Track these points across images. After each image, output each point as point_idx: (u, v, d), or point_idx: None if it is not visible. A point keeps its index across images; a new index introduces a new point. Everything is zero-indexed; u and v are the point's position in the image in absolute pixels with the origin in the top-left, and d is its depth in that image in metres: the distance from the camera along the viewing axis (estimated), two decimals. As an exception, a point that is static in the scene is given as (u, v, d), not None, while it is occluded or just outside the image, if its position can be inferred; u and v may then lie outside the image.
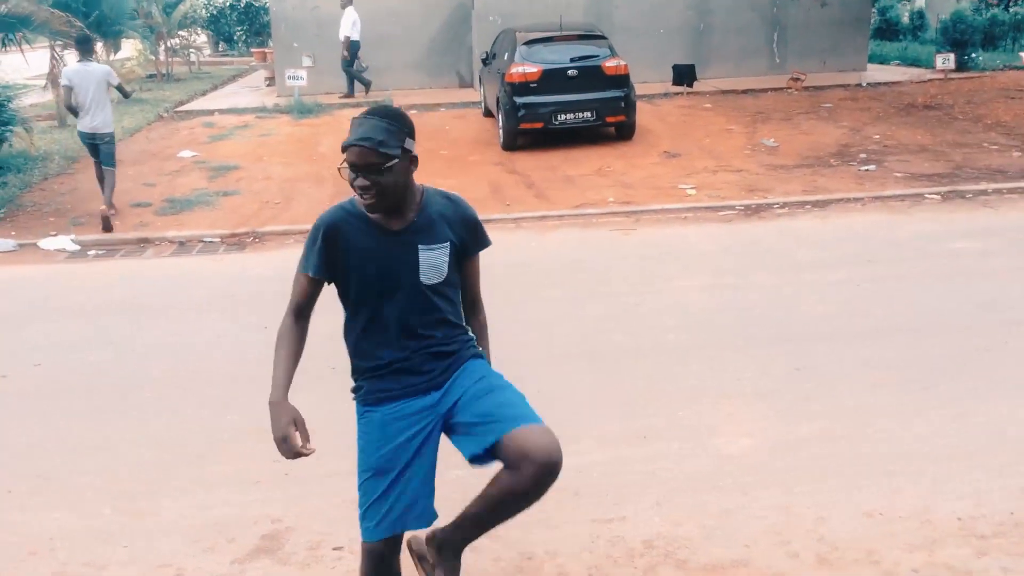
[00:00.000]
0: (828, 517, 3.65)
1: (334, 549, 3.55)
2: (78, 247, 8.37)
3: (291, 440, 2.47)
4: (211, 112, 15.87)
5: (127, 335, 6.08)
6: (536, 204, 9.56)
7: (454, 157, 11.86)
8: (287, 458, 2.50)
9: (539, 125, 11.89)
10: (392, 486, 2.56)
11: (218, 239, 8.57)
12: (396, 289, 2.60)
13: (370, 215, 2.55)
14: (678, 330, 5.79)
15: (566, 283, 6.93)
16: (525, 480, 2.47)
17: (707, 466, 4.12)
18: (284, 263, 7.76)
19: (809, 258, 7.30)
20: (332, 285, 2.69)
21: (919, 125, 12.55)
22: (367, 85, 16.71)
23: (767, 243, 7.82)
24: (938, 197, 9.08)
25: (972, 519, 3.58)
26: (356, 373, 2.73)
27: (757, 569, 3.34)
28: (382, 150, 2.44)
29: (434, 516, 2.65)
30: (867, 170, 10.27)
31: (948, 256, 7.15)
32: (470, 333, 2.84)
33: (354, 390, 2.75)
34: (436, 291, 2.65)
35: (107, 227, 8.83)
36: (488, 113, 14.08)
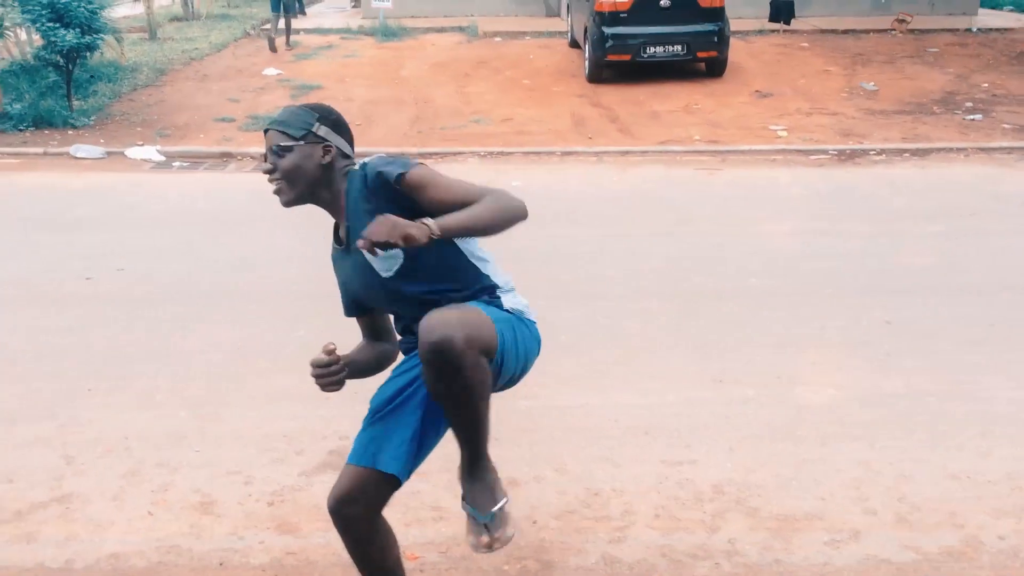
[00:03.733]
0: (911, 476, 3.48)
1: (399, 469, 3.53)
2: (163, 158, 8.48)
3: None
4: (297, 32, 15.82)
5: (206, 246, 6.15)
6: (619, 139, 9.32)
7: (536, 87, 11.62)
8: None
9: (626, 57, 11.53)
10: (372, 421, 2.37)
11: (299, 157, 8.58)
12: (377, 301, 2.39)
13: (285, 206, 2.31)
14: (762, 274, 5.58)
15: (647, 220, 6.74)
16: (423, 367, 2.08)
17: (786, 415, 3.97)
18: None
19: (906, 208, 6.95)
20: None
21: (1033, 75, 11.79)
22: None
23: (861, 190, 7.47)
24: (1049, 152, 8.54)
25: (1069, 489, 3.38)
26: None
27: (832, 523, 3.20)
28: (284, 130, 2.27)
29: (403, 472, 2.30)
30: (972, 119, 9.70)
31: (1057, 214, 6.72)
32: (494, 290, 2.33)
33: None
34: (412, 275, 2.24)
35: (272, 48, 13.84)
36: (574, 44, 13.72)
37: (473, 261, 2.30)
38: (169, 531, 3.17)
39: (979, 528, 3.17)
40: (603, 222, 6.50)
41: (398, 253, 2.18)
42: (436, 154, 8.62)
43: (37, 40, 10.44)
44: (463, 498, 2.26)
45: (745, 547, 3.11)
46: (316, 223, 6.58)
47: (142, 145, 8.76)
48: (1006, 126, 9.44)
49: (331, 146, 2.31)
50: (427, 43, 14.80)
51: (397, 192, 2.17)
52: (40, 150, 8.66)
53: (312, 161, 2.28)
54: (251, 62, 13.24)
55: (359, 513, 2.35)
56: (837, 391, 4.16)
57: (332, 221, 2.39)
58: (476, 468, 2.23)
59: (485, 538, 2.22)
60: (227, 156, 8.61)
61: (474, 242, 2.30)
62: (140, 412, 3.97)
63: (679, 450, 3.71)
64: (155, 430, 3.82)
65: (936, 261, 5.71)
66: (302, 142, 2.26)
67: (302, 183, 2.27)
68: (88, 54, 10.09)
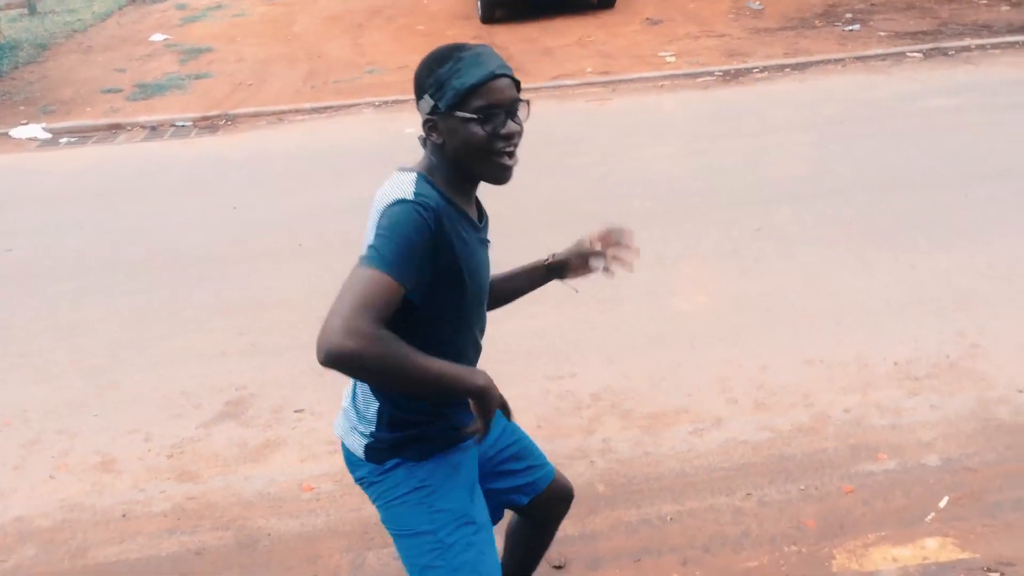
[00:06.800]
0: (770, 366, 3.78)
1: (295, 411, 3.70)
2: (49, 135, 8.32)
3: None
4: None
5: (99, 220, 6.13)
6: (512, 77, 9.42)
7: (431, 32, 11.60)
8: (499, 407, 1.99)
9: (517, -5, 11.57)
10: (488, 539, 1.95)
11: (190, 123, 8.49)
12: (483, 303, 1.95)
13: (500, 182, 1.79)
14: (644, 197, 5.82)
15: (536, 155, 6.82)
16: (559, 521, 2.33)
17: (662, 325, 4.23)
18: (255, 145, 7.74)
19: (783, 121, 7.24)
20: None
21: (909, -18, 12.18)
22: None
23: (742, 108, 7.74)
24: (920, 55, 8.92)
25: (908, 363, 3.71)
26: (404, 424, 1.85)
27: (696, 415, 3.49)
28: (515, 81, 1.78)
29: None
30: (851, 30, 10.04)
31: (922, 114, 7.09)
32: None
33: (395, 445, 1.86)
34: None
35: None
36: (468, -14, 13.67)
37: None
38: (71, 491, 3.29)
39: (828, 405, 3.49)
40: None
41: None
42: (330, 108, 8.62)
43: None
44: None
45: (618, 444, 3.38)
46: (206, 190, 6.61)
47: (27, 124, 8.56)
48: (882, 34, 9.79)
49: None
50: (318, -4, 14.57)
51: None
52: (-81, 139, 8.41)
53: None
54: (136, 29, 12.88)
55: None
56: (708, 298, 4.44)
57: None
58: None
59: None
60: (116, 127, 8.47)
61: None
62: (39, 385, 4.05)
63: (562, 366, 3.95)
64: (54, 401, 3.91)
65: (805, 169, 6.02)
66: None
67: None
68: (-40, 35, 9.75)
